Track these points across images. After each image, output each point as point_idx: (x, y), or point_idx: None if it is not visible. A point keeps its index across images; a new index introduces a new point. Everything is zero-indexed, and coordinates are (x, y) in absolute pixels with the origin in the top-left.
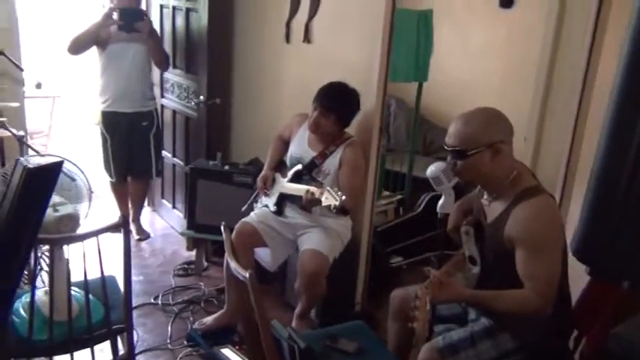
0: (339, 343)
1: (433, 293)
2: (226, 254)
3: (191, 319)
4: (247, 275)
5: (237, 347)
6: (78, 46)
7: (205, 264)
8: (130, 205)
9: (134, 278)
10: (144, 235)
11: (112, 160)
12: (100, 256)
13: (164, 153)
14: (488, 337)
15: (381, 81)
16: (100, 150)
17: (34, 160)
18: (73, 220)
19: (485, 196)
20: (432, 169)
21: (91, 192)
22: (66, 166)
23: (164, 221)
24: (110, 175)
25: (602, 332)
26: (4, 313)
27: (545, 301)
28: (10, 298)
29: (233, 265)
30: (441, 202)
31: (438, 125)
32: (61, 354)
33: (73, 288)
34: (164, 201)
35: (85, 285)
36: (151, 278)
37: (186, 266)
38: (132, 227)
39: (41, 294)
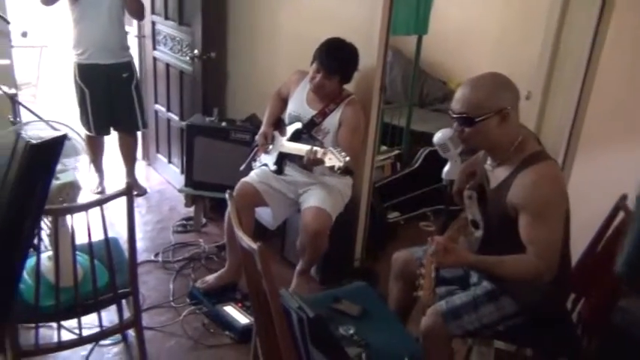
0: (343, 306)
1: (438, 260)
2: (231, 220)
3: (192, 276)
4: (256, 247)
5: (239, 305)
6: None
7: (204, 220)
8: (122, 161)
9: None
10: (141, 191)
11: (92, 113)
12: (104, 223)
13: (158, 107)
14: (490, 300)
15: (382, 36)
16: (76, 103)
17: (34, 132)
18: (74, 187)
19: (489, 162)
20: (439, 136)
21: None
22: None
23: (160, 176)
24: (89, 129)
25: (601, 295)
26: (13, 286)
27: (547, 266)
28: (19, 272)
29: (240, 234)
30: (446, 168)
31: (434, 77)
32: (68, 319)
33: (77, 253)
34: (159, 155)
35: (90, 253)
36: (150, 235)
37: (185, 222)
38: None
39: (45, 260)
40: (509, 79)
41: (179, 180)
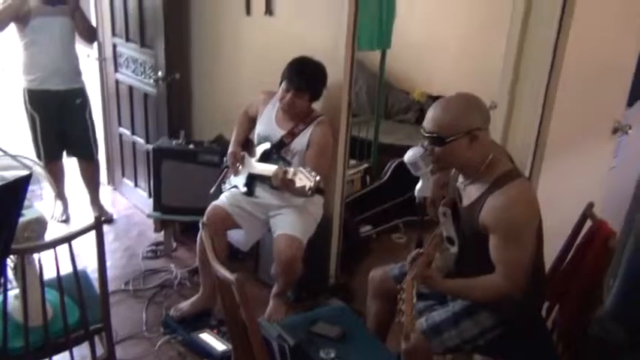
0: (321, 329)
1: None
2: (205, 249)
3: (165, 303)
4: (234, 279)
5: (215, 331)
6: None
7: (174, 244)
8: (85, 188)
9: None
10: (107, 217)
11: (41, 139)
12: (73, 260)
13: (122, 130)
14: (469, 315)
15: (348, 53)
16: (28, 131)
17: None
18: (39, 223)
19: (460, 179)
20: (410, 155)
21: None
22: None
23: (126, 200)
24: (39, 156)
25: (574, 301)
26: None
27: (514, 287)
28: None
29: (216, 266)
30: (418, 186)
31: (398, 88)
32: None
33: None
34: (125, 179)
35: (60, 290)
36: (119, 263)
37: (154, 247)
38: (93, 209)
39: (12, 299)
40: (479, 100)
41: (147, 204)
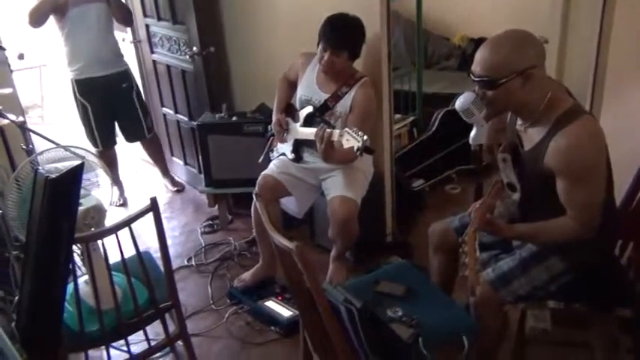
0: (386, 287)
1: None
2: (262, 219)
3: (228, 275)
4: (294, 247)
5: (279, 298)
6: (38, 17)
7: (229, 217)
8: (154, 164)
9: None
10: (180, 187)
11: (96, 128)
12: (135, 243)
13: (165, 110)
14: (538, 261)
15: (383, 3)
16: (80, 120)
17: (49, 159)
18: (98, 210)
19: (519, 122)
20: (461, 101)
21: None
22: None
23: (178, 179)
24: (96, 145)
25: None
26: (59, 315)
27: (587, 229)
28: (61, 301)
29: (274, 235)
30: (472, 133)
31: (436, 34)
32: (114, 341)
33: (113, 273)
34: (175, 159)
35: (127, 273)
36: (179, 240)
37: (211, 222)
38: (165, 181)
39: (83, 285)
40: (531, 35)
41: (198, 180)
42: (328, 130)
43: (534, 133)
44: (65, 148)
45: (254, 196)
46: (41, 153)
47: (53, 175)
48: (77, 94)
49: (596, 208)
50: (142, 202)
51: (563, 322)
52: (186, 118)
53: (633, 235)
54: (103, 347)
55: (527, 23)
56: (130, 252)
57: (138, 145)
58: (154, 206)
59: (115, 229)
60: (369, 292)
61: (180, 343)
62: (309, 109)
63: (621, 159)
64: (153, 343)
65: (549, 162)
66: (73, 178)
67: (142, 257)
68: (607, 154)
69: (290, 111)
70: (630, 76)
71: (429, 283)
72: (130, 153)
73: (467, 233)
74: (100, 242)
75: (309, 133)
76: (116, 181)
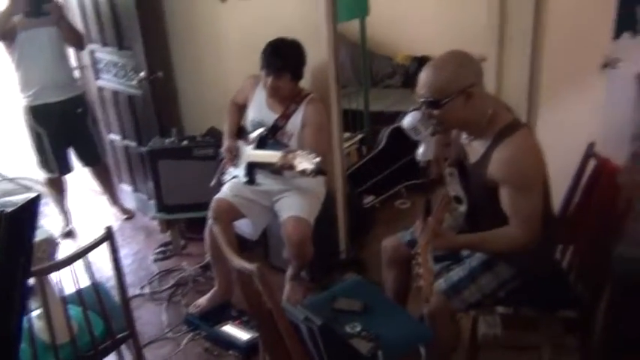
0: (343, 304)
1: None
2: (219, 243)
3: (184, 302)
4: (254, 269)
5: (237, 322)
6: None
7: (183, 242)
8: (102, 190)
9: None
10: (130, 214)
11: (53, 154)
12: (90, 273)
13: (113, 136)
14: (486, 269)
15: (329, 26)
16: (33, 148)
17: (4, 199)
18: (49, 243)
19: (464, 136)
20: (409, 120)
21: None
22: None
23: (128, 206)
24: (51, 171)
25: (586, 240)
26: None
27: (531, 236)
28: (18, 337)
29: (233, 258)
30: (420, 150)
31: (380, 54)
32: None
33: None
34: (123, 186)
35: (83, 304)
36: (131, 269)
37: (164, 248)
38: (115, 209)
39: (35, 320)
40: (469, 55)
41: (149, 207)
42: (286, 155)
43: (478, 146)
44: (11, 180)
45: (210, 220)
46: None
47: (8, 210)
48: (31, 121)
49: (537, 217)
50: (90, 231)
51: (513, 326)
52: (134, 144)
53: (571, 241)
54: None
55: (466, 42)
56: (81, 283)
57: (85, 173)
58: (109, 235)
59: (70, 260)
60: (327, 310)
61: None
62: (260, 131)
63: (557, 168)
64: None
65: (493, 173)
66: (30, 211)
67: (97, 288)
68: (544, 163)
69: (241, 133)
70: (562, 90)
71: (383, 297)
72: (76, 182)
73: (420, 245)
74: (55, 275)
75: (262, 155)
76: (62, 209)
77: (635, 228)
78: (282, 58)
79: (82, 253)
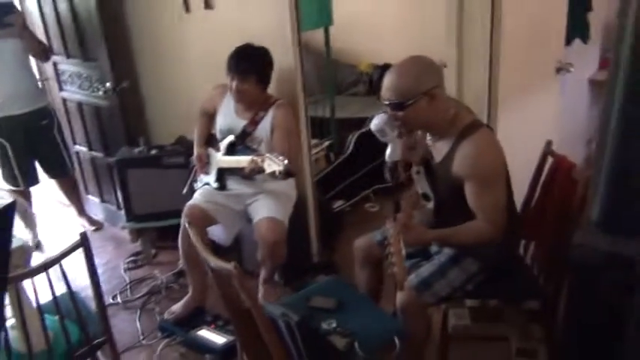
0: (318, 302)
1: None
2: (196, 246)
3: (157, 309)
4: (232, 268)
5: (212, 326)
6: None
7: (153, 251)
8: (69, 202)
9: (85, 283)
10: (98, 225)
11: (17, 167)
12: (66, 280)
13: (78, 147)
14: (454, 264)
15: (294, 34)
16: None
17: None
18: (24, 251)
19: (428, 137)
20: (376, 122)
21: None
22: None
23: (95, 217)
24: (16, 184)
25: (547, 235)
26: None
27: (496, 229)
28: None
29: (210, 258)
30: (388, 151)
31: (344, 62)
32: None
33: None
34: (90, 197)
35: (59, 311)
36: (102, 278)
37: (134, 258)
38: (82, 221)
39: (10, 330)
40: (430, 59)
41: (117, 217)
42: (252, 159)
43: (442, 145)
44: None
45: (186, 224)
46: None
47: None
48: None
49: (502, 211)
50: (57, 243)
51: (481, 318)
52: (101, 155)
53: (533, 236)
54: None
55: (427, 50)
56: (50, 292)
57: (50, 185)
58: (83, 241)
59: (45, 266)
60: (303, 308)
61: None
62: (230, 138)
63: (517, 168)
64: None
65: (457, 170)
66: (6, 217)
67: (73, 294)
68: (504, 160)
69: (211, 141)
70: (519, 94)
71: (357, 294)
72: (42, 194)
73: (391, 235)
74: (29, 282)
75: (232, 160)
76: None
77: (589, 218)
78: (248, 60)
79: (56, 260)
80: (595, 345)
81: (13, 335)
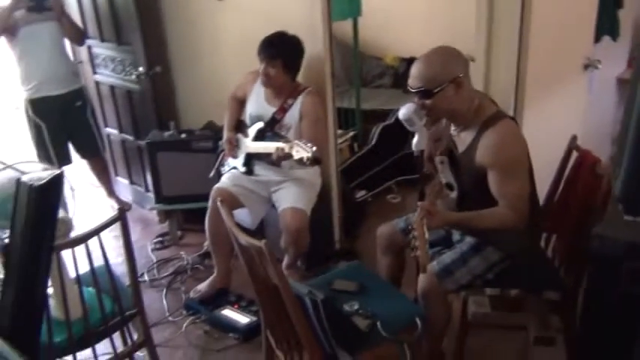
0: (340, 285)
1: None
2: (228, 224)
3: (182, 288)
4: (262, 245)
5: (235, 306)
6: None
7: (179, 233)
8: (99, 183)
9: (115, 261)
10: (126, 206)
11: (52, 146)
12: (103, 251)
13: (109, 130)
14: (476, 252)
15: (325, 23)
16: (33, 140)
17: (32, 176)
18: (65, 223)
19: (453, 128)
20: (404, 112)
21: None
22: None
23: (124, 198)
24: (50, 164)
25: (569, 229)
26: (41, 319)
27: (519, 215)
28: (41, 318)
29: (240, 235)
30: (415, 140)
31: (370, 55)
32: (82, 349)
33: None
34: (119, 178)
35: (95, 281)
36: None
37: (161, 239)
38: (111, 202)
39: (49, 298)
40: (455, 49)
41: (145, 199)
42: (281, 146)
43: (466, 136)
44: (10, 166)
45: (218, 203)
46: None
47: (37, 183)
48: (31, 113)
49: (525, 197)
50: (87, 223)
51: (500, 306)
52: (132, 138)
53: (555, 229)
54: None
55: (454, 44)
56: (86, 265)
57: (82, 166)
58: (121, 215)
59: (86, 237)
60: (326, 290)
61: (139, 354)
62: (259, 124)
63: (542, 162)
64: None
65: (480, 159)
66: (56, 185)
67: (109, 266)
68: (527, 151)
69: (240, 127)
70: (547, 89)
71: (378, 279)
72: (73, 174)
73: (415, 221)
74: (70, 252)
75: (261, 147)
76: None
77: (611, 210)
78: (276, 46)
79: (96, 231)
80: (614, 335)
81: (52, 303)
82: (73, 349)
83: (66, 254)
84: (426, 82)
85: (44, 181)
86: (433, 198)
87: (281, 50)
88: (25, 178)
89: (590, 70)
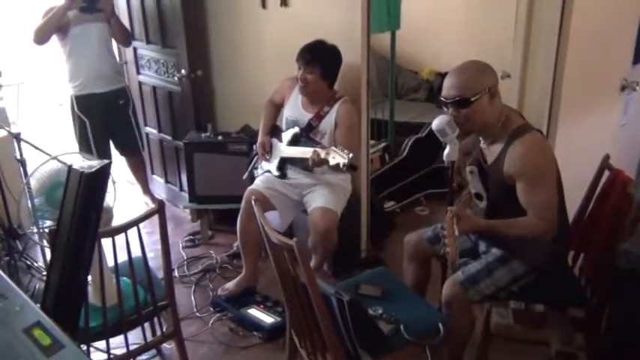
0: (365, 290)
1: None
2: (261, 222)
3: (211, 286)
4: (294, 243)
5: (261, 306)
6: (44, 35)
7: (210, 233)
8: (136, 180)
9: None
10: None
11: (94, 142)
12: (141, 242)
13: (149, 129)
14: (502, 264)
15: (364, 36)
16: (76, 135)
17: (83, 164)
18: (107, 212)
19: (482, 142)
20: (437, 123)
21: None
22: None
23: (158, 197)
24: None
25: (597, 249)
26: (82, 300)
27: (547, 224)
28: (81, 302)
29: (272, 233)
30: (446, 151)
31: (406, 68)
32: (115, 336)
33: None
34: (155, 177)
35: (132, 271)
36: (161, 253)
37: (192, 237)
38: (146, 199)
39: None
40: (487, 62)
41: (179, 198)
42: (317, 151)
43: (494, 148)
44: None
45: (252, 202)
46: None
47: (87, 171)
48: (76, 109)
49: (553, 207)
50: (122, 218)
51: (523, 321)
52: (169, 137)
53: (583, 248)
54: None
55: (491, 60)
56: (124, 256)
57: (120, 163)
58: (160, 208)
59: (125, 227)
60: (352, 293)
61: (166, 345)
62: (295, 129)
63: (573, 181)
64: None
65: (508, 169)
66: (103, 174)
67: (145, 257)
68: (556, 164)
69: (275, 131)
70: (580, 108)
71: (403, 286)
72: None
73: (446, 220)
74: (108, 241)
75: (296, 151)
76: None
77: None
78: (313, 51)
79: (136, 222)
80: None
81: (90, 289)
82: (107, 335)
83: (105, 244)
84: (464, 90)
85: (94, 169)
86: (461, 206)
87: (319, 57)
88: (76, 166)
89: (627, 92)
